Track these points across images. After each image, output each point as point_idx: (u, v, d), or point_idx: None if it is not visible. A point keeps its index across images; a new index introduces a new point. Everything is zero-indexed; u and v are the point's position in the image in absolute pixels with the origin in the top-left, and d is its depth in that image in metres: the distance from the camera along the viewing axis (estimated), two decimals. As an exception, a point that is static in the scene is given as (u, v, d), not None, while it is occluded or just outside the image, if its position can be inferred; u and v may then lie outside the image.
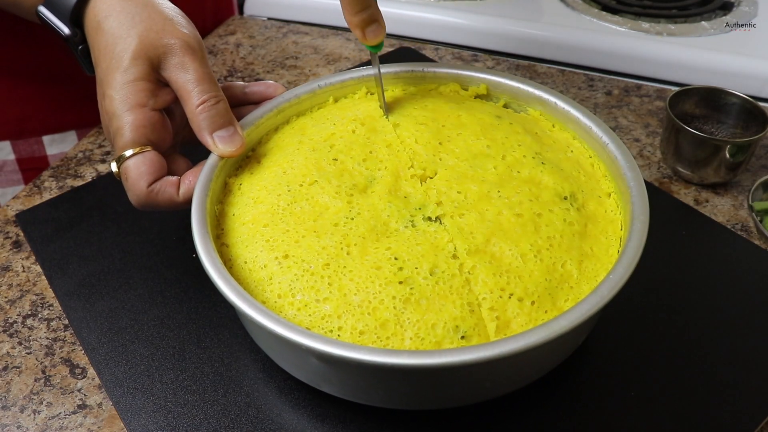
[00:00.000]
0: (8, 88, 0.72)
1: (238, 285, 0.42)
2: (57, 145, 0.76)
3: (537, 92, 0.55)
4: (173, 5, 0.54)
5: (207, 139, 0.50)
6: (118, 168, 0.50)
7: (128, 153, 0.49)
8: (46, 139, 0.75)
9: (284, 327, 0.39)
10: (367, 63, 0.84)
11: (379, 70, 0.54)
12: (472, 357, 0.37)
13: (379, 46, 0.52)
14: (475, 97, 0.58)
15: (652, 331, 0.51)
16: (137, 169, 0.49)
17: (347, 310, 0.42)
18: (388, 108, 0.55)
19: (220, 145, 0.50)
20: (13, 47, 0.70)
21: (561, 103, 0.54)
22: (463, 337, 0.41)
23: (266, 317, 0.39)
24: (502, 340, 0.37)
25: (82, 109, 0.75)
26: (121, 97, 0.50)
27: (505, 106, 0.58)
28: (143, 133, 0.50)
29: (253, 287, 0.44)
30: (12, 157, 0.75)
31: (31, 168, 0.76)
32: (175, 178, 0.50)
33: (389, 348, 0.40)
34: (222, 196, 0.51)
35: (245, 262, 0.46)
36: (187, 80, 0.50)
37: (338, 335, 0.41)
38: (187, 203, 0.48)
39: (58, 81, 0.74)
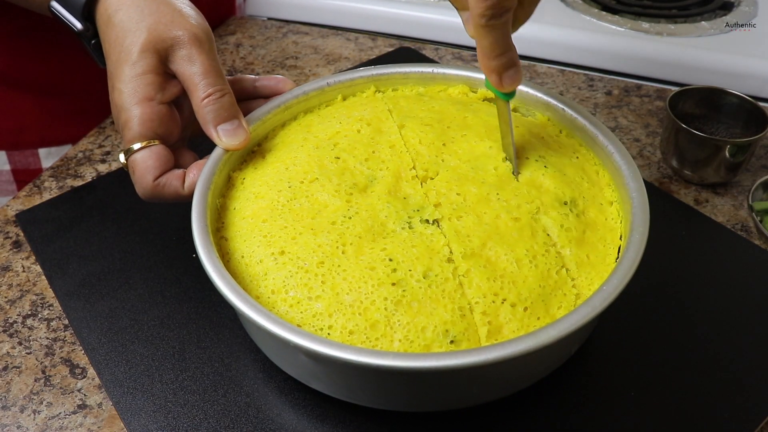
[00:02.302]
0: (6, 98, 0.72)
1: (232, 279, 0.42)
2: (52, 159, 0.76)
3: (545, 98, 0.55)
4: None
5: (211, 132, 0.51)
6: (126, 160, 0.51)
7: (136, 146, 0.50)
8: (42, 151, 0.75)
9: (273, 323, 0.39)
10: (368, 63, 0.85)
11: (511, 123, 0.49)
12: (457, 362, 0.37)
13: (512, 93, 0.48)
14: (483, 100, 0.58)
15: (651, 330, 0.51)
16: (144, 163, 0.50)
17: (338, 309, 0.42)
18: (394, 110, 0.54)
19: (224, 138, 0.50)
20: (12, 59, 0.70)
21: (568, 110, 0.54)
22: (452, 342, 0.41)
23: (257, 312, 0.40)
24: (487, 347, 0.37)
25: (78, 124, 0.75)
26: (129, 91, 0.50)
27: (514, 110, 0.58)
28: (151, 127, 0.50)
29: (248, 282, 0.45)
30: (7, 167, 0.75)
31: (26, 180, 0.75)
32: (180, 171, 0.51)
33: (378, 349, 0.40)
34: (225, 189, 0.51)
35: (242, 257, 0.46)
36: (193, 73, 0.50)
37: (328, 334, 0.41)
38: (192, 195, 0.48)
39: (56, 94, 0.74)
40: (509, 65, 0.46)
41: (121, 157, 0.51)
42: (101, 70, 0.54)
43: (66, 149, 0.76)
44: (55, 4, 0.54)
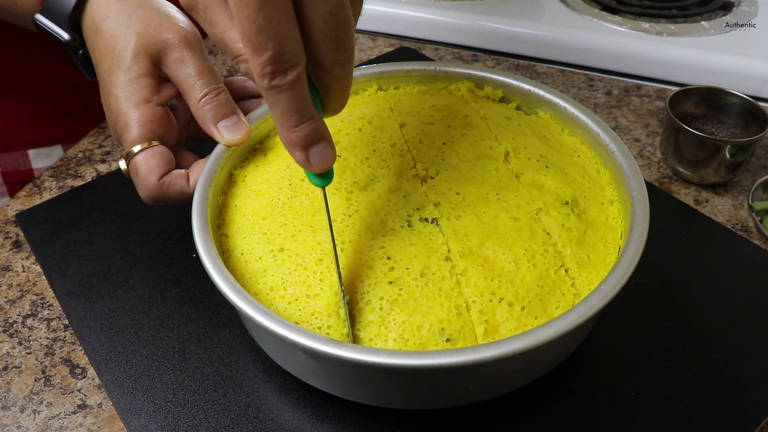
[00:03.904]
0: None
1: (230, 276, 0.42)
2: (42, 159, 0.76)
3: (547, 96, 0.55)
4: (168, 2, 0.55)
5: (212, 130, 0.51)
6: (127, 165, 0.51)
7: (137, 149, 0.50)
8: (31, 152, 0.75)
9: (270, 319, 0.39)
10: (368, 63, 0.85)
11: (329, 216, 0.43)
12: (451, 360, 0.37)
13: (328, 175, 0.39)
14: (487, 98, 0.58)
15: (651, 331, 0.51)
16: (147, 164, 0.50)
17: (337, 308, 0.42)
18: (395, 108, 0.54)
19: (225, 134, 0.51)
20: None
21: (570, 108, 0.54)
22: (448, 340, 0.41)
23: (254, 309, 0.40)
24: (483, 346, 0.37)
25: (67, 124, 0.75)
26: (125, 95, 0.51)
27: (518, 107, 0.58)
28: (150, 128, 0.51)
29: (247, 279, 0.45)
30: None
31: (16, 181, 0.75)
32: (183, 170, 0.51)
33: (374, 347, 0.41)
34: (226, 187, 0.51)
35: (242, 254, 0.46)
36: (188, 75, 0.51)
37: (327, 333, 0.41)
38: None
39: (44, 95, 0.74)
40: (314, 138, 0.37)
41: (122, 164, 0.52)
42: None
43: (56, 149, 0.76)
44: (40, 17, 0.54)
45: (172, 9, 0.54)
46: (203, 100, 0.51)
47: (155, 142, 0.51)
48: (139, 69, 0.51)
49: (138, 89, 0.51)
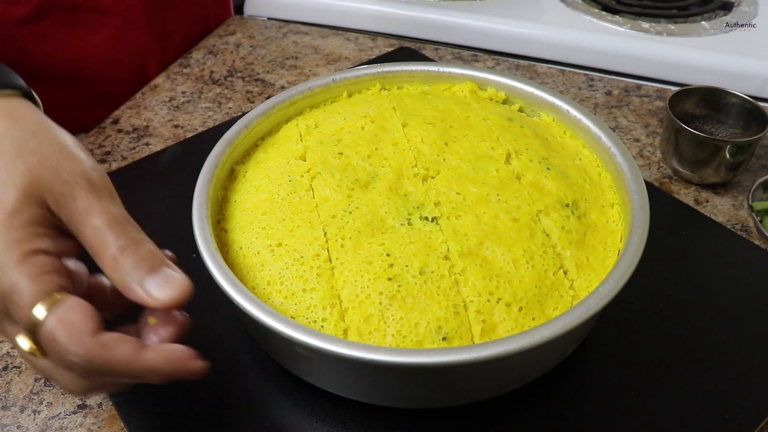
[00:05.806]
0: None
1: (228, 269, 0.42)
2: None
3: (550, 98, 0.55)
4: (66, 132, 0.42)
5: (136, 292, 0.37)
6: (34, 341, 0.36)
7: (40, 312, 0.35)
8: None
9: (266, 314, 0.39)
10: (369, 63, 0.85)
11: None
12: (445, 359, 0.37)
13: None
14: (490, 99, 0.59)
15: (651, 330, 0.51)
16: (64, 323, 0.35)
17: (332, 302, 0.42)
18: (398, 108, 0.55)
19: (155, 292, 0.37)
20: (21, 47, 0.70)
21: (573, 111, 0.54)
22: (444, 339, 0.41)
23: (250, 302, 0.40)
24: (478, 345, 0.38)
25: (89, 112, 0.75)
26: (4, 244, 0.36)
27: (520, 110, 0.58)
28: (50, 280, 0.36)
29: (245, 273, 0.45)
30: None
31: None
32: (130, 326, 0.39)
33: (370, 343, 0.41)
34: (227, 182, 0.52)
35: (240, 248, 0.46)
36: (95, 228, 0.38)
37: (321, 326, 0.42)
38: (168, 363, 0.37)
39: (65, 82, 0.74)
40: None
41: (24, 344, 0.36)
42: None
43: (78, 138, 0.76)
44: None
45: (72, 143, 0.41)
46: (119, 255, 0.37)
47: (64, 294, 0.36)
48: (28, 214, 0.37)
49: (25, 237, 0.36)
